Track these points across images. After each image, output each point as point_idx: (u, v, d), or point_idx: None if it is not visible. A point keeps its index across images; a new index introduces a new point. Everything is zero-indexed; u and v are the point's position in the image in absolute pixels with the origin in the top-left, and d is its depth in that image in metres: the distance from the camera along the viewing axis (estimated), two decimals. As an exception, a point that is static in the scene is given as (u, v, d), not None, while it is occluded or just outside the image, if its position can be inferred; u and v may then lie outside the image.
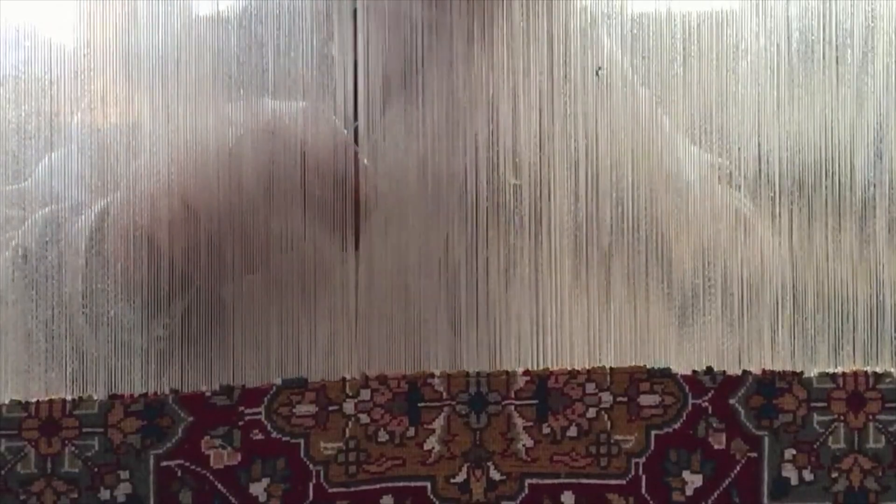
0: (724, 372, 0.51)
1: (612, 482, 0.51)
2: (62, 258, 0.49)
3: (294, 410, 0.49)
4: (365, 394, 0.50)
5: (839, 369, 0.52)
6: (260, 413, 0.49)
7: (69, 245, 0.49)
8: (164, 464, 0.49)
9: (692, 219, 0.51)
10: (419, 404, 0.50)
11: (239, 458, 0.49)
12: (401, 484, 0.50)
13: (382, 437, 0.50)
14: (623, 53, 0.50)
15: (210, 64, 0.49)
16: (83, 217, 0.49)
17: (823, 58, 0.51)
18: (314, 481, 0.49)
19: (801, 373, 0.51)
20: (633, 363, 0.51)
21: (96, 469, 0.48)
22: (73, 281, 0.49)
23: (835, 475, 0.51)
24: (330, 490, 0.50)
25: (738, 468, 0.51)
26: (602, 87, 0.50)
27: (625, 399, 0.51)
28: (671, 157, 0.51)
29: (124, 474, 0.48)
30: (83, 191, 0.49)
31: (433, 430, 0.50)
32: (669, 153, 0.51)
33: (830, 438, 0.51)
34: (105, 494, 0.48)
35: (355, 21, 0.49)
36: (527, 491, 0.50)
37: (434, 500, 0.50)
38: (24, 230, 0.50)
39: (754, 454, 0.51)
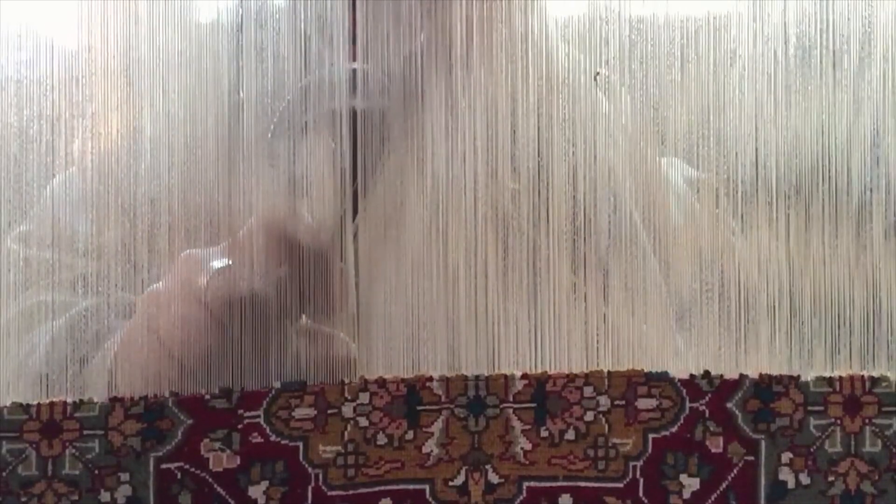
0: (722, 376, 0.51)
1: (610, 485, 0.51)
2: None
3: (293, 414, 0.50)
4: (364, 397, 0.50)
5: (836, 373, 0.52)
6: (259, 416, 0.49)
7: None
8: (164, 466, 0.49)
9: (689, 223, 0.52)
10: (418, 407, 0.50)
11: (238, 461, 0.49)
12: (399, 487, 0.50)
13: (381, 440, 0.50)
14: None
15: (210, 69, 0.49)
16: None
17: (821, 63, 0.51)
18: (313, 484, 0.50)
19: (798, 377, 0.51)
20: (631, 367, 0.51)
21: (97, 471, 0.49)
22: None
23: (831, 479, 0.51)
24: (329, 493, 0.50)
25: (735, 471, 0.51)
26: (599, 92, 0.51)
27: (622, 402, 0.51)
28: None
29: (124, 476, 0.49)
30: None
31: (432, 434, 0.50)
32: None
33: (827, 442, 0.51)
34: (105, 496, 0.49)
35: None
36: (525, 494, 0.51)
37: (433, 502, 0.50)
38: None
39: (751, 458, 0.51)
